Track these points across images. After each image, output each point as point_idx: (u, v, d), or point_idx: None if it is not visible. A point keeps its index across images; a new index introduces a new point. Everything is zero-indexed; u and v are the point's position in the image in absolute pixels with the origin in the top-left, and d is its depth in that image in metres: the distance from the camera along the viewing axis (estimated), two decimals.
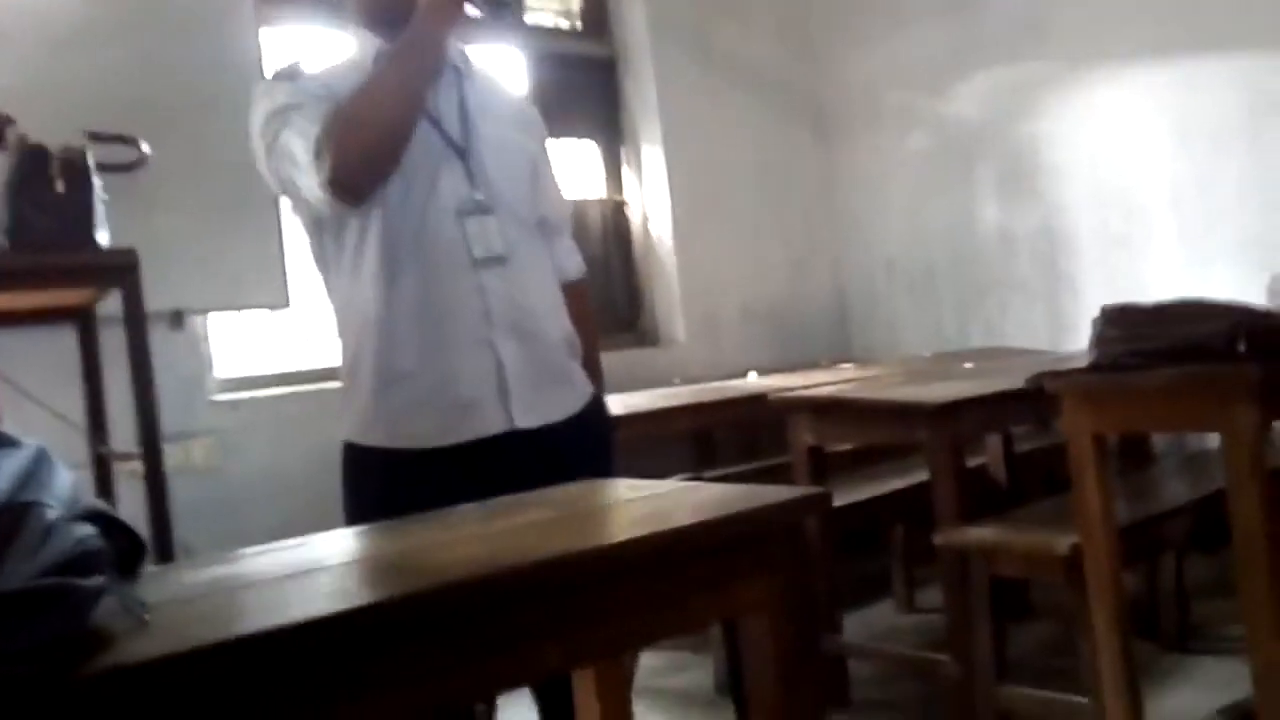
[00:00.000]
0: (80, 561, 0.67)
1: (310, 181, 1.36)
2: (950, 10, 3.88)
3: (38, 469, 0.80)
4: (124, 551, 0.78)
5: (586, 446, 1.54)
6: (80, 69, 2.57)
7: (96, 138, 2.02)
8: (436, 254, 1.45)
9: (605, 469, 1.47)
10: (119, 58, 2.65)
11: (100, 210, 1.90)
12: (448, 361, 1.45)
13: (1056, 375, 1.96)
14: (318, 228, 1.51)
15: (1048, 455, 2.89)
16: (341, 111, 1.35)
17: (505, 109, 1.62)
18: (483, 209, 1.48)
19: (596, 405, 1.62)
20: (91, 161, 1.91)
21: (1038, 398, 1.96)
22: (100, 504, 0.78)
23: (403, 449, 1.47)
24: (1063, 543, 1.91)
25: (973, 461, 2.75)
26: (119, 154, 2.31)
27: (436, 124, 1.48)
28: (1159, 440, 3.23)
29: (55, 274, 1.77)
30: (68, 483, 0.82)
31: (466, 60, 1.58)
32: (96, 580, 0.67)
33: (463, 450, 1.45)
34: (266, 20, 3.07)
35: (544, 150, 1.68)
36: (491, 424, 1.46)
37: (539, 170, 1.62)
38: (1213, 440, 2.88)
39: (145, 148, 2.23)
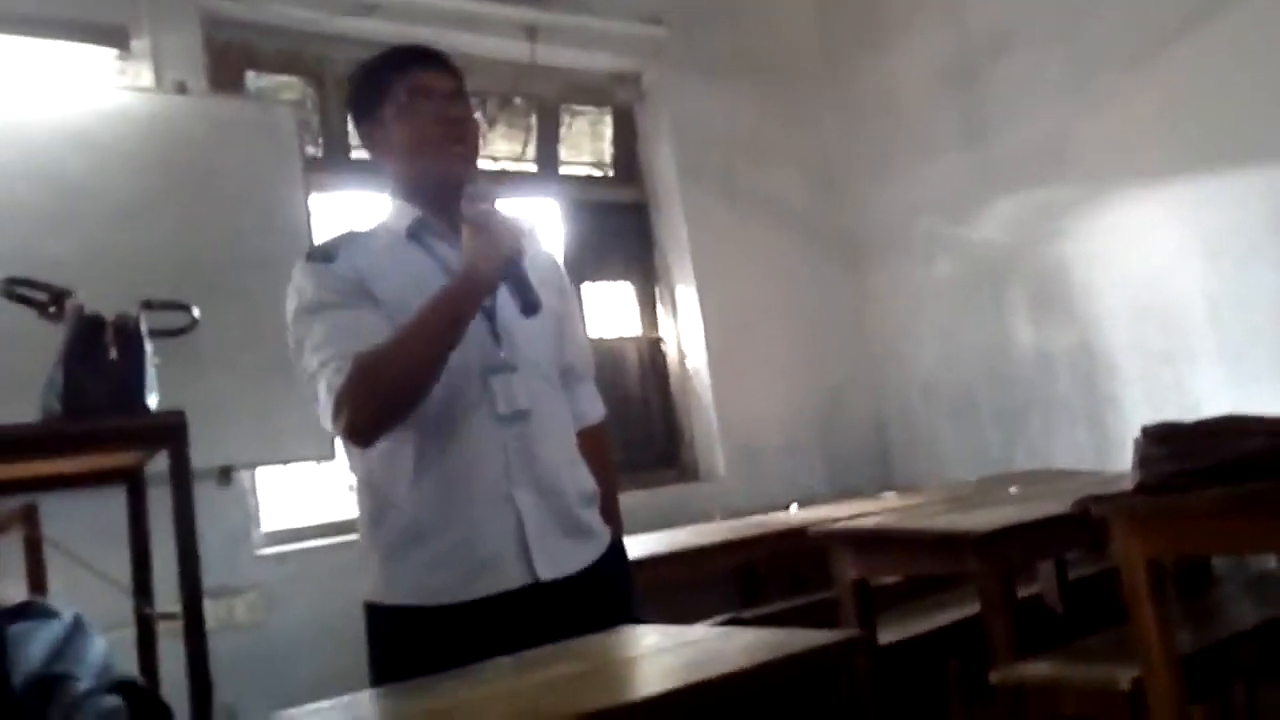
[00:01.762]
0: None
1: (327, 422, 1.43)
2: (970, 141, 3.98)
3: (72, 640, 0.82)
4: None
5: (607, 595, 1.53)
6: (136, 239, 2.72)
7: (150, 305, 2.11)
8: (461, 413, 1.48)
9: (626, 615, 1.46)
10: (173, 226, 2.80)
11: (151, 374, 1.97)
12: (468, 517, 1.47)
13: (1102, 499, 1.92)
14: None
15: (1105, 581, 2.79)
16: (363, 368, 1.38)
17: (533, 269, 1.67)
18: (508, 367, 1.52)
19: (616, 551, 1.62)
20: (144, 328, 1.99)
21: (1087, 522, 1.92)
22: (130, 674, 0.79)
23: (424, 606, 1.47)
24: (1124, 676, 1.83)
25: (1026, 591, 2.67)
26: (172, 319, 2.41)
27: None
28: (1220, 561, 3.11)
29: (106, 438, 1.83)
30: (101, 652, 0.84)
31: None
32: None
33: (484, 605, 1.45)
34: (316, 186, 3.23)
35: (569, 304, 1.73)
36: (513, 578, 1.46)
37: (564, 326, 1.67)
38: (1275, 560, 2.78)
39: (196, 313, 2.33)
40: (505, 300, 1.55)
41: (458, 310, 1.43)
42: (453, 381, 1.48)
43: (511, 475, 1.48)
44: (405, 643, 1.47)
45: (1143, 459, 1.89)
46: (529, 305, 1.47)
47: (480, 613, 1.44)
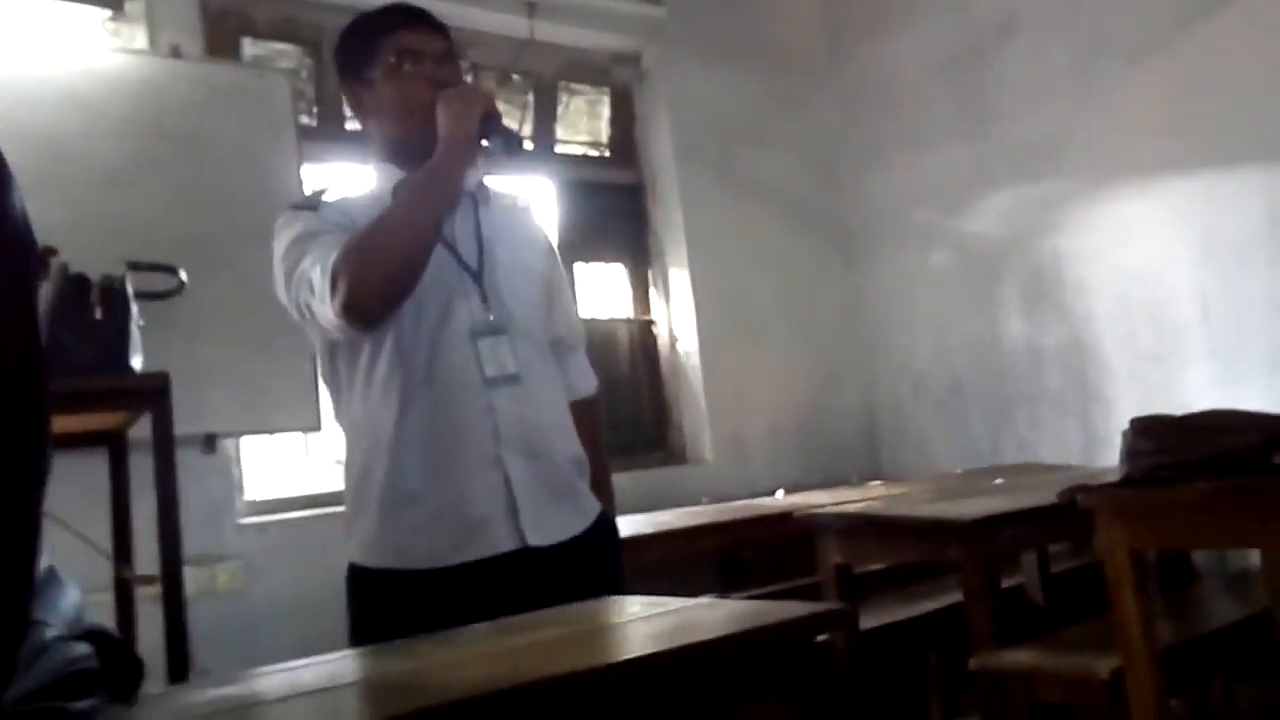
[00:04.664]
0: (71, 682, 0.67)
1: (325, 308, 1.38)
2: (969, 131, 3.97)
3: (44, 588, 0.80)
4: (122, 672, 0.77)
5: (595, 565, 1.53)
6: (125, 203, 2.69)
7: (136, 266, 2.10)
8: (448, 375, 1.47)
9: (614, 588, 1.45)
10: (163, 192, 2.77)
11: (136, 336, 1.96)
12: (457, 480, 1.45)
13: (1088, 490, 1.92)
14: (331, 351, 1.54)
15: (1088, 575, 2.80)
16: (357, 241, 1.38)
17: (520, 234, 1.66)
18: (495, 329, 1.50)
19: (605, 524, 1.61)
20: (130, 289, 1.97)
21: (1073, 514, 1.92)
22: (101, 625, 0.78)
23: (411, 569, 1.45)
24: (1104, 666, 1.83)
25: (1009, 581, 2.67)
26: (159, 282, 2.39)
27: (452, 249, 1.52)
28: (1202, 558, 3.12)
29: (87, 398, 1.81)
30: (73, 602, 0.82)
31: (484, 189, 1.64)
32: (87, 702, 0.67)
33: (471, 569, 1.44)
34: (310, 156, 3.20)
35: (558, 273, 1.71)
36: (501, 542, 1.45)
37: (553, 292, 1.66)
38: (1256, 557, 2.80)
39: (183, 276, 2.31)
40: (493, 266, 1.54)
41: (446, 173, 1.45)
42: (439, 342, 1.47)
43: (500, 438, 1.47)
44: (388, 607, 1.46)
45: (1129, 451, 1.89)
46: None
47: (467, 577, 1.43)
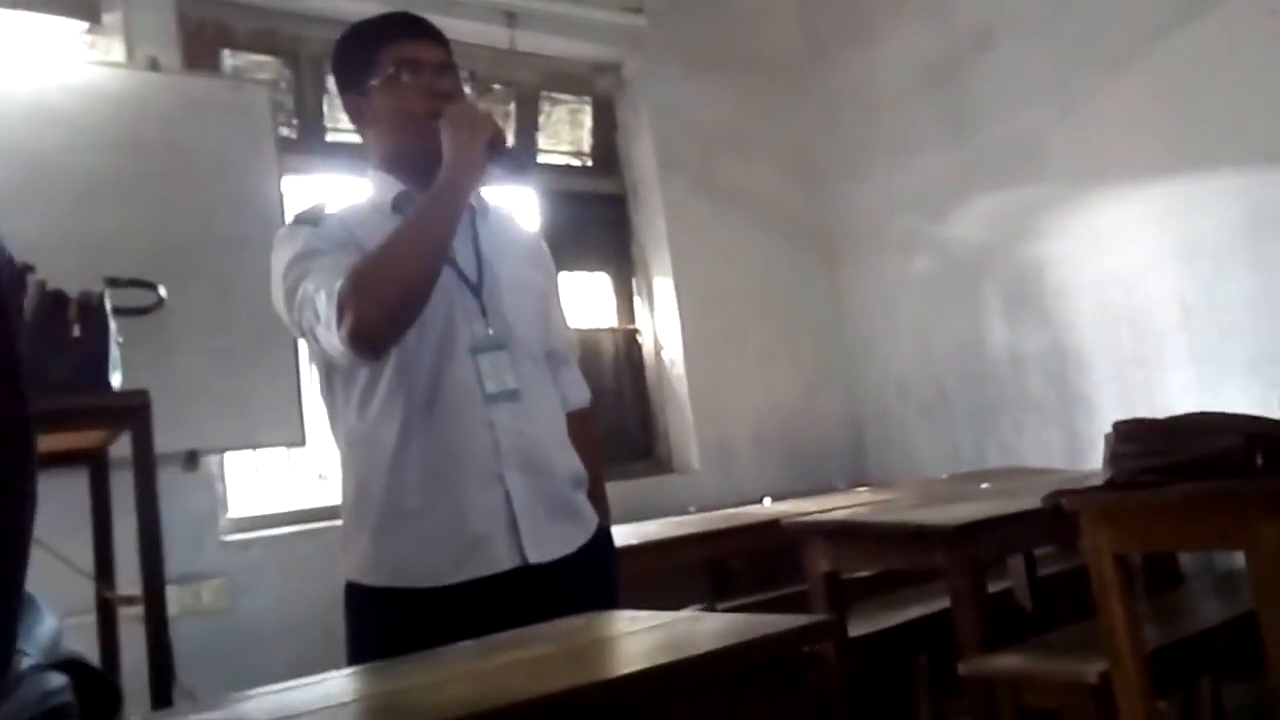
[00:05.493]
0: (47, 718, 0.65)
1: (331, 335, 1.35)
2: (949, 139, 3.99)
3: (22, 614, 0.79)
4: (98, 703, 0.76)
5: (591, 580, 1.51)
6: (104, 217, 2.66)
7: (115, 283, 2.09)
8: (449, 391, 1.45)
9: (609, 602, 1.44)
10: (142, 205, 2.74)
11: (115, 353, 1.94)
12: (457, 498, 1.44)
13: (1072, 493, 1.93)
14: (328, 367, 1.52)
15: (1075, 578, 2.80)
16: (363, 269, 1.35)
17: (518, 246, 1.64)
18: (496, 344, 1.49)
19: (602, 537, 1.60)
20: (108, 305, 1.96)
21: (1058, 518, 1.93)
22: (77, 653, 0.77)
23: (409, 588, 1.44)
24: (1091, 670, 1.84)
25: (996, 586, 2.68)
26: (138, 298, 2.37)
27: (452, 262, 1.50)
28: (1188, 560, 3.13)
29: (66, 417, 1.79)
30: (51, 630, 0.81)
31: (481, 200, 1.62)
32: None
33: (470, 588, 1.42)
34: (289, 168, 3.18)
35: (554, 285, 1.71)
36: (501, 560, 1.44)
37: (549, 305, 1.65)
38: (1241, 558, 2.81)
39: (162, 291, 2.30)
40: (493, 279, 1.53)
41: (452, 200, 1.42)
42: (442, 359, 1.46)
43: (501, 455, 1.46)
44: (386, 626, 1.44)
45: (1113, 455, 1.90)
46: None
47: (466, 596, 1.42)
